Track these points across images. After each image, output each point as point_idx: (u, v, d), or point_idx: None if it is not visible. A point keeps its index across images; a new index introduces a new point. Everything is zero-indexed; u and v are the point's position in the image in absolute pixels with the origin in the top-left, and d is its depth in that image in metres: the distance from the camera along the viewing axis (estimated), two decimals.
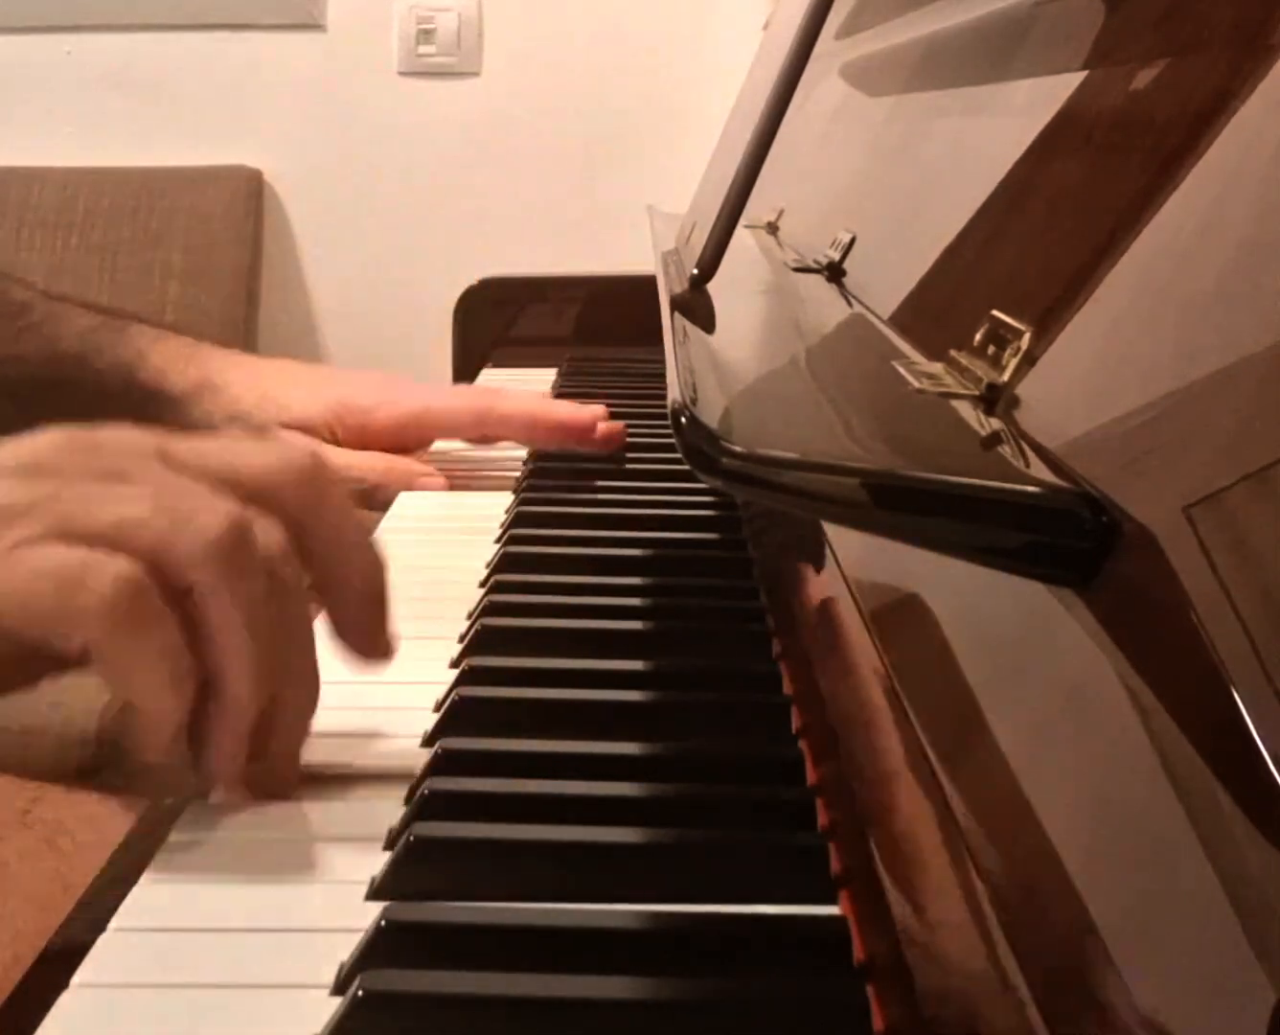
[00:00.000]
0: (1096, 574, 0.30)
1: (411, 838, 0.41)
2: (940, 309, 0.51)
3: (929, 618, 0.39)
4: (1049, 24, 0.55)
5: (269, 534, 0.44)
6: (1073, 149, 0.45)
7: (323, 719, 0.48)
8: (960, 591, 0.37)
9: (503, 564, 0.68)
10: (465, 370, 1.24)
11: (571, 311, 1.31)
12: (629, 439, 0.93)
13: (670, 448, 0.53)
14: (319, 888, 0.41)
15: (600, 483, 0.83)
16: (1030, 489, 0.33)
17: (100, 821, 0.66)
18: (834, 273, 0.66)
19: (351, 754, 0.48)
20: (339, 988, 0.36)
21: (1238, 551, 0.26)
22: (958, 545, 0.33)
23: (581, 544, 0.71)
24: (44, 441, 0.44)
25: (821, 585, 0.52)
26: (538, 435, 0.88)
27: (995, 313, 0.41)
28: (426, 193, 2.14)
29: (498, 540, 0.73)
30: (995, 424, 0.38)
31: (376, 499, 0.83)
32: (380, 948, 0.36)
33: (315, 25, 2.13)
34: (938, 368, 0.44)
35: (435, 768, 0.46)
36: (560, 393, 1.08)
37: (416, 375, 0.94)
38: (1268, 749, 0.22)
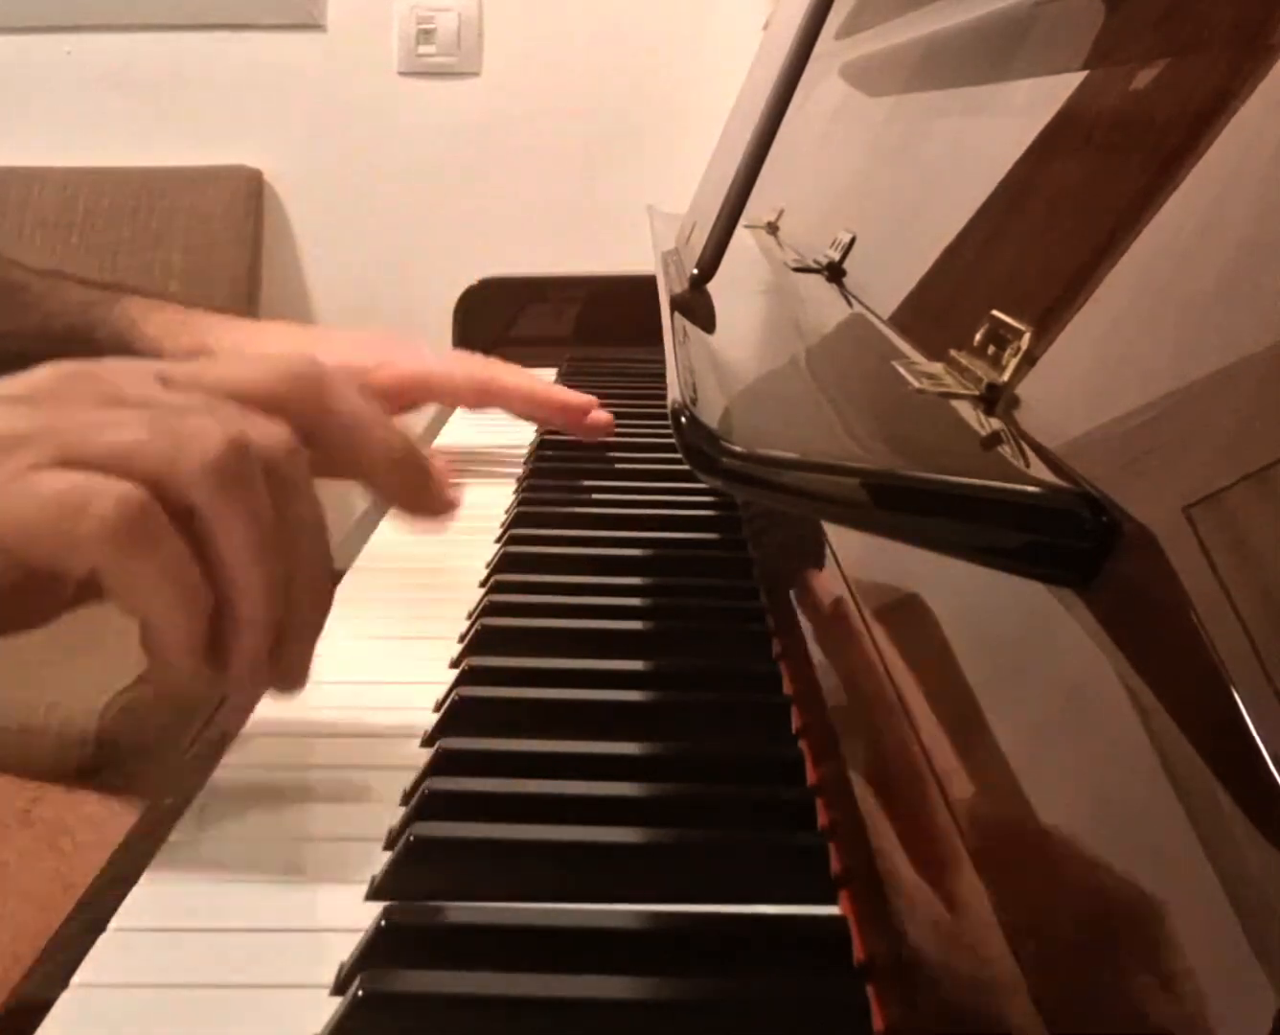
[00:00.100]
0: (1096, 574, 0.30)
1: (411, 838, 0.41)
2: (940, 309, 0.51)
3: (929, 618, 0.39)
4: (1049, 24, 0.55)
5: (270, 435, 0.44)
6: (1073, 149, 0.45)
7: (323, 719, 0.49)
8: (960, 591, 0.37)
9: (503, 564, 0.68)
10: None
11: (571, 311, 1.31)
12: (629, 439, 0.93)
13: (670, 448, 0.53)
14: (319, 888, 0.41)
15: (600, 483, 0.83)
16: (1030, 489, 0.33)
17: (100, 821, 0.66)
18: (834, 273, 0.66)
19: (351, 754, 0.48)
20: (339, 988, 0.36)
21: (1238, 551, 0.26)
22: (958, 545, 0.33)
23: (581, 544, 0.71)
24: (42, 372, 0.45)
25: (821, 585, 0.52)
26: (534, 412, 0.90)
27: (995, 313, 0.41)
28: (426, 193, 2.14)
29: (498, 540, 0.73)
30: (995, 424, 0.38)
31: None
32: (380, 948, 0.36)
33: (315, 25, 2.13)
34: (938, 368, 0.44)
35: (435, 768, 0.46)
36: None
37: None
38: (1268, 749, 0.22)
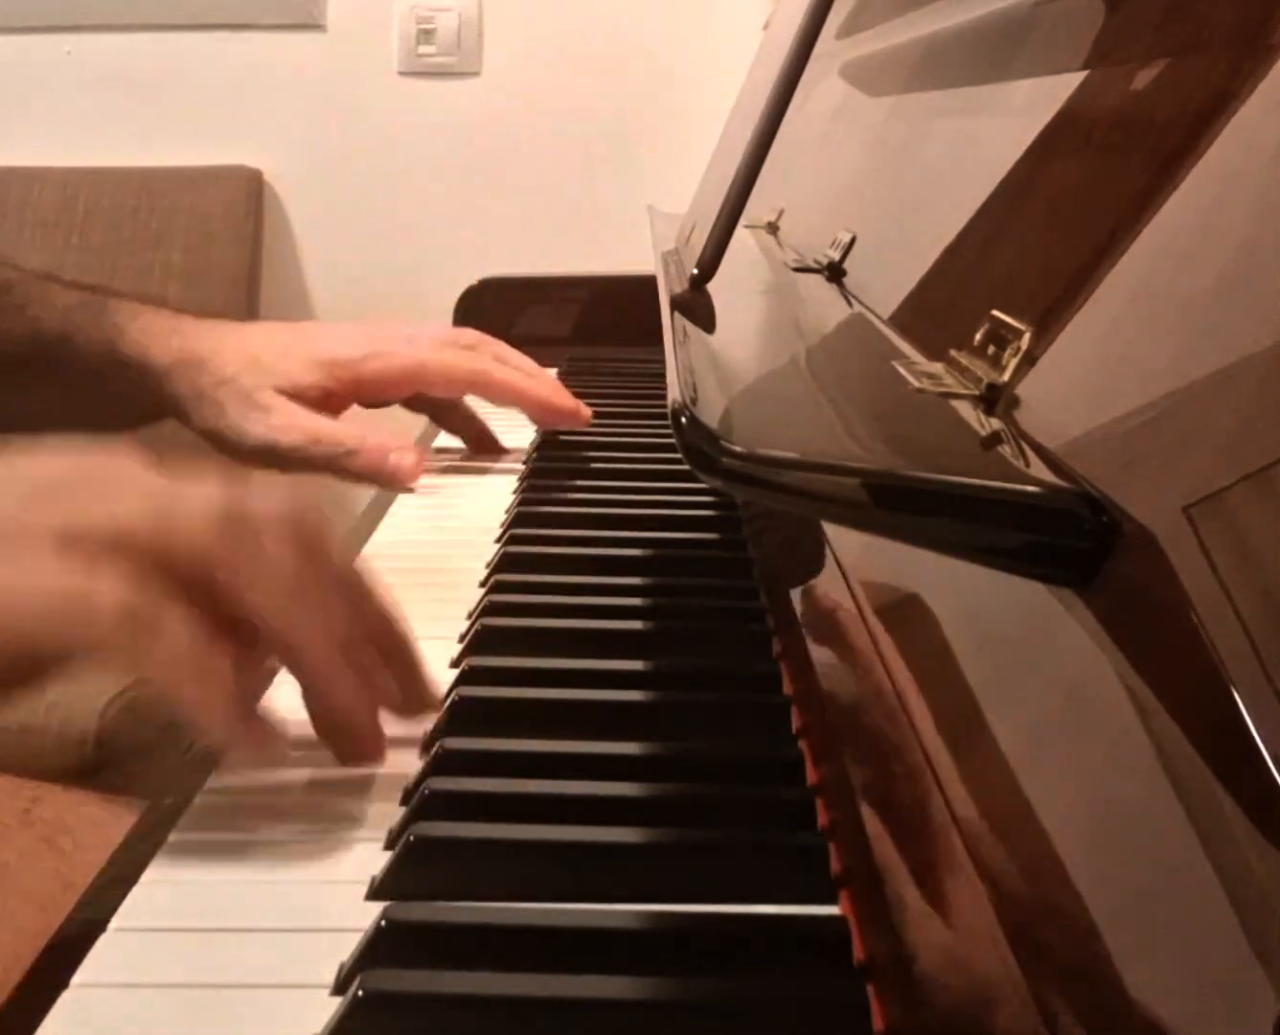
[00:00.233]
0: (1096, 574, 0.30)
1: (411, 838, 0.41)
2: (940, 309, 0.51)
3: (929, 618, 0.39)
4: (1049, 24, 0.55)
5: (269, 498, 0.45)
6: (1073, 149, 0.45)
7: None
8: (960, 591, 0.37)
9: (503, 564, 0.68)
10: None
11: (571, 311, 1.31)
12: (629, 439, 0.93)
13: (670, 448, 0.53)
14: (319, 888, 0.41)
15: (600, 483, 0.83)
16: (1030, 489, 0.33)
17: (100, 821, 0.66)
18: (834, 273, 0.66)
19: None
20: (339, 988, 0.36)
21: (1238, 551, 0.26)
22: (958, 545, 0.33)
23: (581, 544, 0.71)
24: (36, 459, 0.45)
25: (821, 585, 0.52)
26: (523, 408, 0.92)
27: (995, 313, 0.41)
28: (426, 193, 2.14)
29: (498, 540, 0.73)
30: (995, 424, 0.38)
31: (353, 467, 0.84)
32: (380, 948, 0.36)
33: (315, 25, 2.13)
34: (938, 368, 0.44)
35: (435, 768, 0.46)
36: None
37: None
38: (1268, 749, 0.22)
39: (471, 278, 1.29)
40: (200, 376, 0.86)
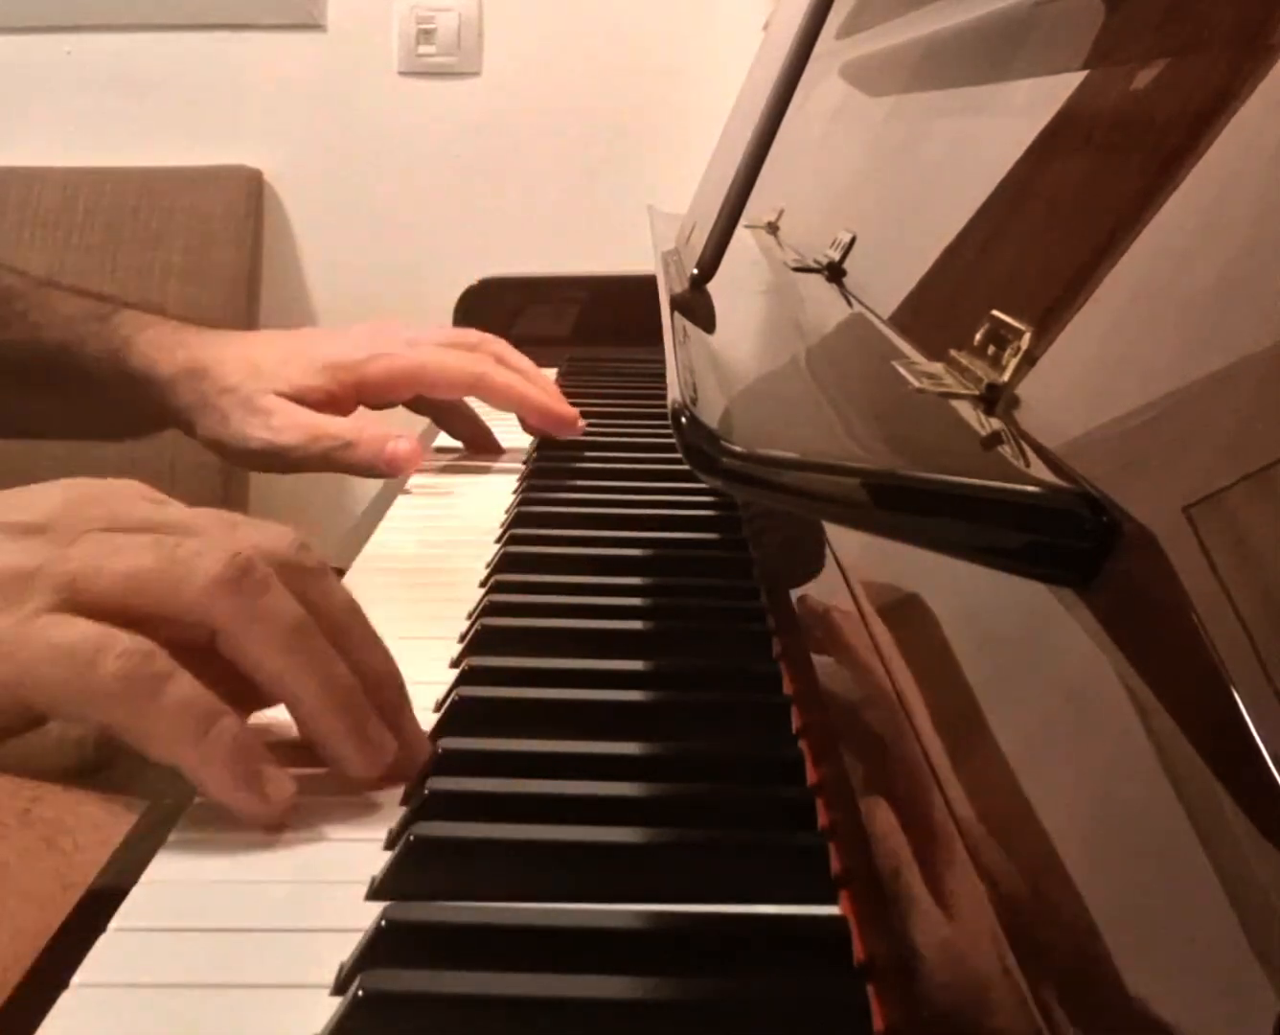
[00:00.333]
0: (1096, 574, 0.30)
1: (411, 838, 0.41)
2: (940, 309, 0.51)
3: (929, 618, 0.39)
4: (1049, 24, 0.55)
5: (271, 539, 0.46)
6: (1073, 149, 0.45)
7: None
8: (960, 591, 0.37)
9: (503, 564, 0.68)
10: None
11: (571, 311, 1.31)
12: (629, 439, 0.93)
13: (670, 448, 0.53)
14: (319, 888, 0.41)
15: (600, 483, 0.83)
16: (1030, 489, 0.33)
17: (100, 821, 0.65)
18: (834, 273, 0.66)
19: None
20: (339, 988, 0.36)
21: (1238, 551, 0.26)
22: (958, 545, 0.33)
23: (581, 544, 0.71)
24: (45, 498, 0.46)
25: (821, 585, 0.52)
26: (521, 413, 0.92)
27: (995, 313, 0.41)
28: (426, 193, 2.14)
29: (498, 540, 0.73)
30: (995, 424, 0.38)
31: (352, 459, 0.84)
32: (380, 948, 0.36)
33: (315, 25, 2.13)
34: (938, 368, 0.44)
35: (435, 768, 0.46)
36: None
37: None
38: (1268, 749, 0.22)
39: (471, 278, 1.29)
40: (203, 386, 0.86)
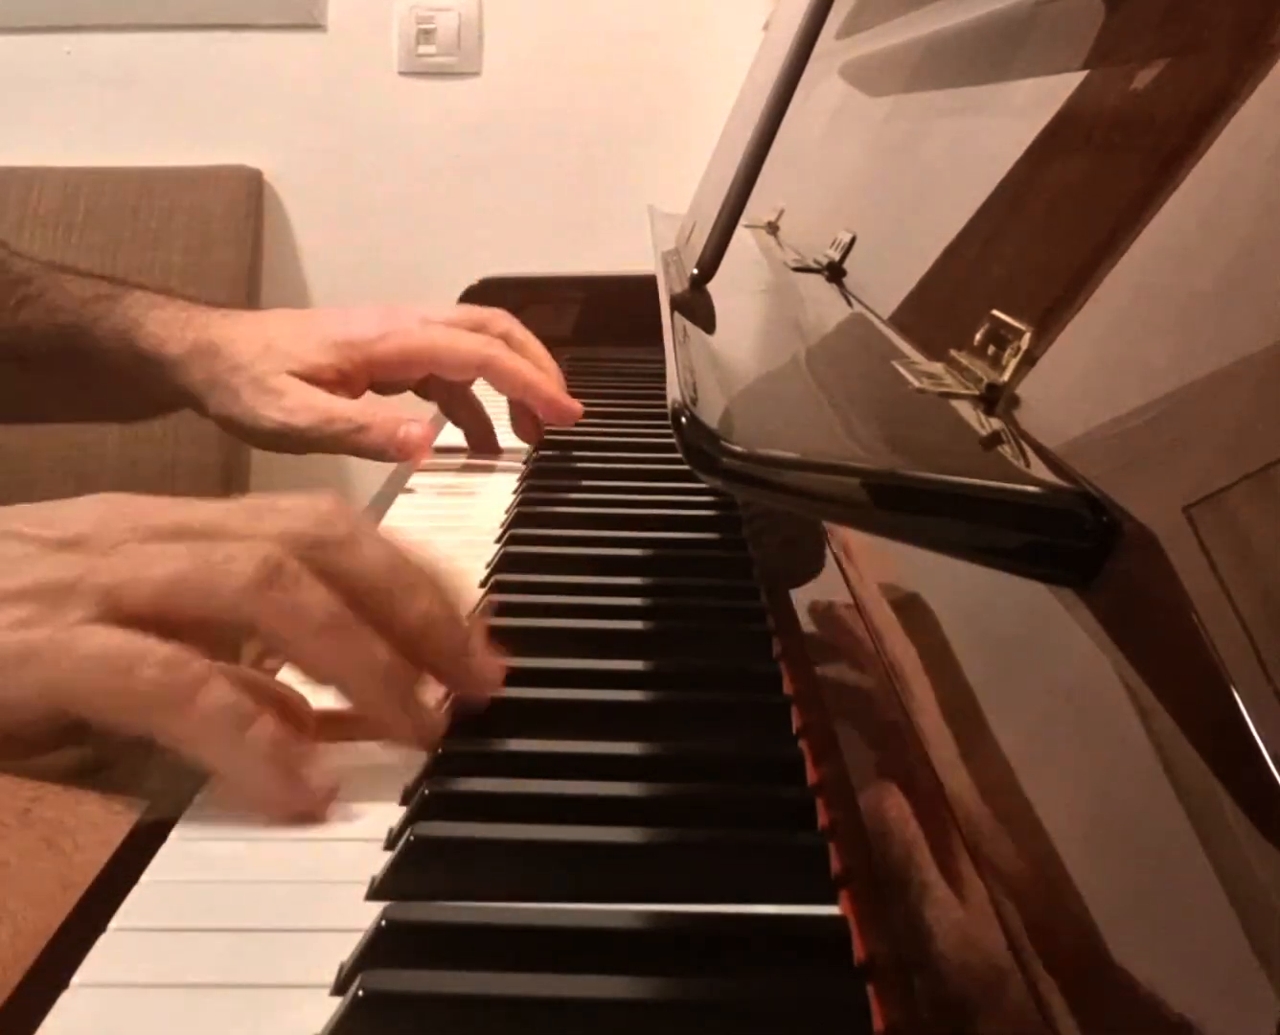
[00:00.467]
0: (1097, 574, 0.30)
1: (411, 838, 0.41)
2: (940, 309, 0.51)
3: (929, 618, 0.39)
4: (1049, 24, 0.55)
5: (301, 520, 0.47)
6: (1073, 149, 0.45)
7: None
8: (960, 591, 0.37)
9: (503, 564, 0.68)
10: None
11: (571, 311, 1.31)
12: (629, 439, 0.93)
13: (670, 448, 0.53)
14: (319, 887, 0.41)
15: (600, 483, 0.83)
16: (1030, 489, 0.33)
17: (100, 821, 0.65)
18: (834, 273, 0.66)
19: (352, 754, 0.48)
20: (339, 988, 0.36)
21: (1238, 551, 0.26)
22: (958, 545, 0.33)
23: (581, 544, 0.71)
24: (80, 512, 0.47)
25: (821, 585, 0.52)
26: (527, 398, 0.91)
27: (995, 313, 0.41)
28: (426, 193, 2.14)
29: (498, 540, 0.73)
30: (995, 424, 0.38)
31: (364, 443, 0.84)
32: (380, 948, 0.36)
33: (315, 25, 2.13)
34: (938, 368, 0.44)
35: (435, 768, 0.46)
36: None
37: None
38: (1268, 749, 0.22)
39: (472, 278, 1.29)
40: (215, 365, 0.87)
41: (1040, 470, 0.34)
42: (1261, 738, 0.22)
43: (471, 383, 0.94)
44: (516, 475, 0.87)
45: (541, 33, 2.12)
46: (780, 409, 0.48)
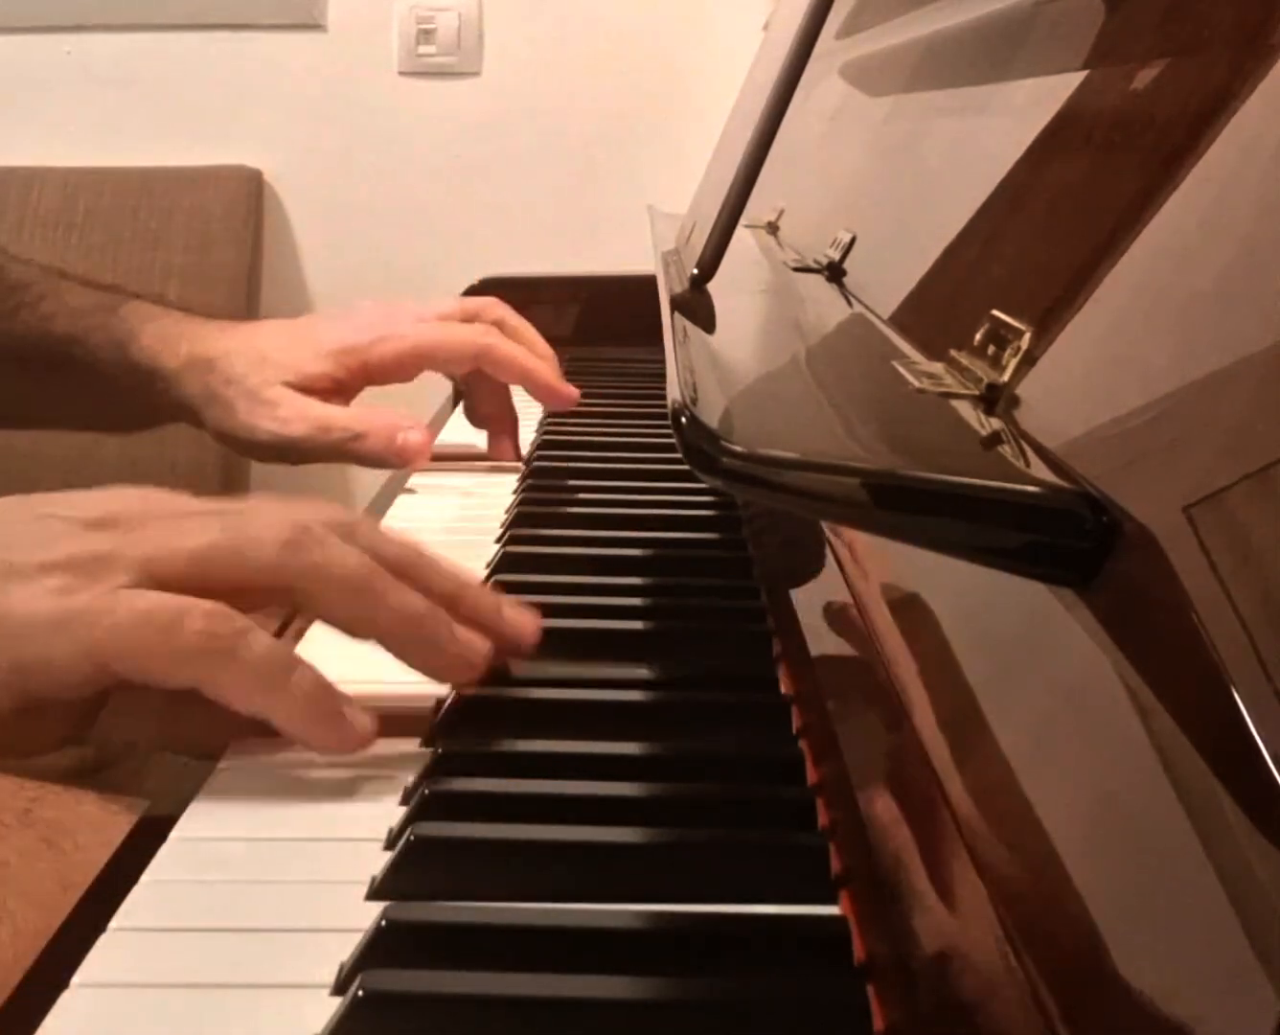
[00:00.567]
0: (1097, 574, 0.30)
1: (411, 838, 0.41)
2: (940, 309, 0.51)
3: (929, 618, 0.39)
4: (1049, 24, 0.55)
5: (329, 512, 0.49)
6: (1073, 149, 0.45)
7: None
8: (960, 591, 0.37)
9: (503, 564, 0.68)
10: None
11: (571, 311, 1.31)
12: (629, 439, 0.93)
13: (670, 448, 0.53)
14: (319, 887, 0.41)
15: (600, 483, 0.83)
16: (1030, 489, 0.33)
17: (100, 821, 0.65)
18: (834, 273, 0.66)
19: (352, 754, 0.48)
20: (339, 988, 0.36)
21: (1238, 551, 0.26)
22: (958, 545, 0.33)
23: (581, 544, 0.71)
24: (109, 497, 0.49)
25: (822, 585, 0.52)
26: (525, 385, 0.91)
27: (995, 313, 0.41)
28: (426, 193, 2.14)
29: (498, 540, 0.73)
30: (995, 424, 0.38)
31: (362, 451, 0.85)
32: (380, 948, 0.36)
33: (315, 25, 2.13)
34: (938, 368, 0.44)
35: (435, 768, 0.46)
36: None
37: None
38: (1268, 749, 0.22)
39: (472, 277, 1.29)
40: (209, 378, 0.87)
41: (1040, 470, 0.34)
42: (1261, 738, 0.22)
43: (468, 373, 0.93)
44: (516, 475, 0.87)
45: (541, 33, 2.12)
46: (780, 409, 0.48)
